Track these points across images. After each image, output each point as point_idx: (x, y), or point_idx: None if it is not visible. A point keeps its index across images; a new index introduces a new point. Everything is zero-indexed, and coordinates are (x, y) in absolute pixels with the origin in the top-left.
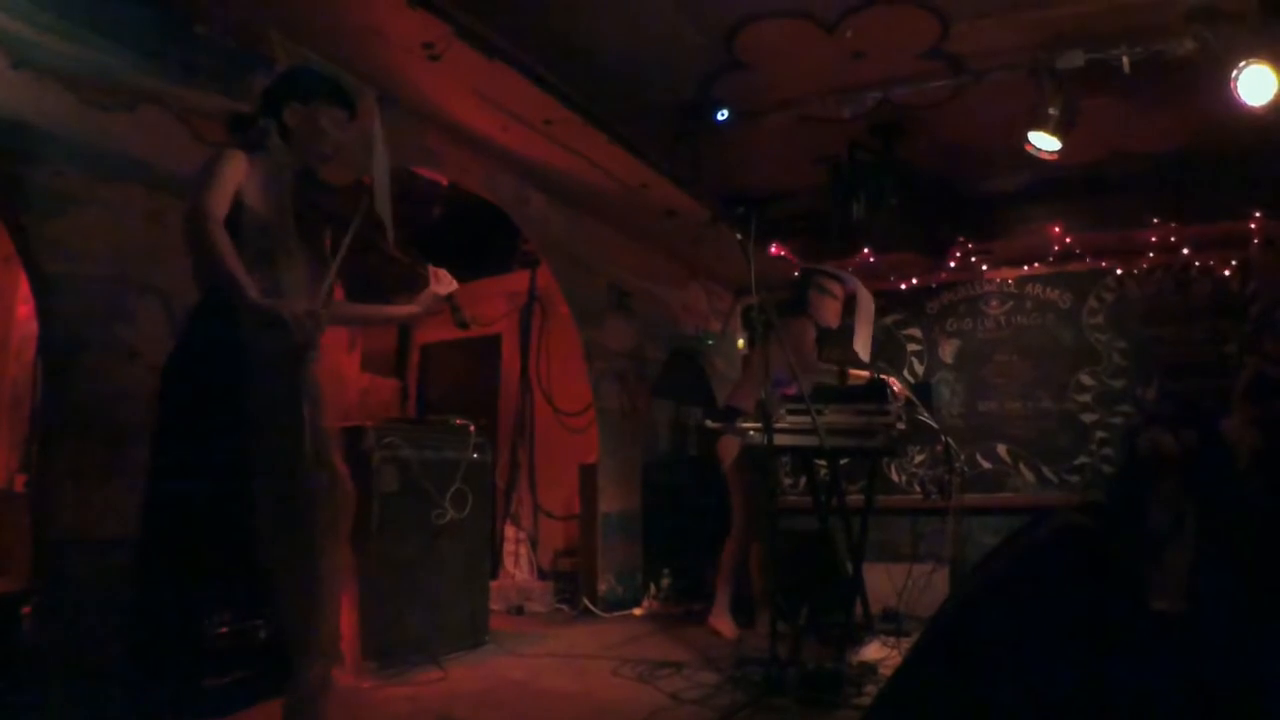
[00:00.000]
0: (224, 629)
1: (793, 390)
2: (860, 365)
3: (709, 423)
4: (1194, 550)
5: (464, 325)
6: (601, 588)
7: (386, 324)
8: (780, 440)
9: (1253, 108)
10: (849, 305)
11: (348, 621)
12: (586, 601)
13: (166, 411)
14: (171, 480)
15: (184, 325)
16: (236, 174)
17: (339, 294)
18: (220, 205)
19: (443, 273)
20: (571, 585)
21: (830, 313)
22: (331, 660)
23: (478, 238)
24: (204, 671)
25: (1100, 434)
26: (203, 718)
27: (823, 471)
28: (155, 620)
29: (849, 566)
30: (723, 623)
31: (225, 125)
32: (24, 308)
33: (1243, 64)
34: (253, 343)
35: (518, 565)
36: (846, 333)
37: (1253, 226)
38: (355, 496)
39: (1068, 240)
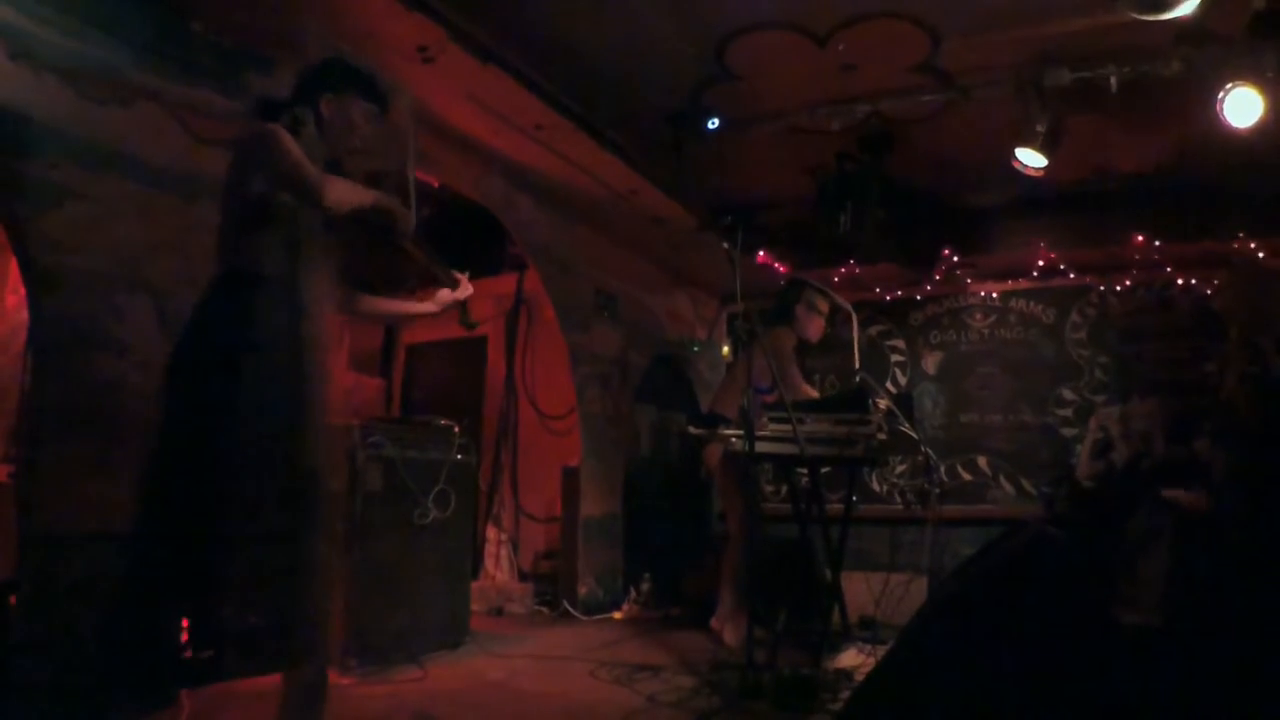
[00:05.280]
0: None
1: (773, 398)
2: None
3: (692, 429)
4: (1169, 561)
5: (470, 326)
6: (582, 590)
7: (403, 321)
8: (761, 448)
9: (1238, 129)
10: (832, 319)
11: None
12: (566, 604)
13: (174, 402)
14: (176, 471)
15: (195, 310)
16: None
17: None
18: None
19: (464, 278)
20: (552, 587)
21: (814, 329)
22: (326, 656)
23: (466, 239)
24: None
25: (1080, 448)
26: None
27: (804, 480)
28: (149, 615)
29: (828, 574)
30: (724, 627)
31: (255, 108)
32: (13, 297)
33: (1229, 86)
34: (266, 331)
35: (499, 566)
36: (824, 346)
37: (1235, 247)
38: (342, 493)
39: (1052, 256)
